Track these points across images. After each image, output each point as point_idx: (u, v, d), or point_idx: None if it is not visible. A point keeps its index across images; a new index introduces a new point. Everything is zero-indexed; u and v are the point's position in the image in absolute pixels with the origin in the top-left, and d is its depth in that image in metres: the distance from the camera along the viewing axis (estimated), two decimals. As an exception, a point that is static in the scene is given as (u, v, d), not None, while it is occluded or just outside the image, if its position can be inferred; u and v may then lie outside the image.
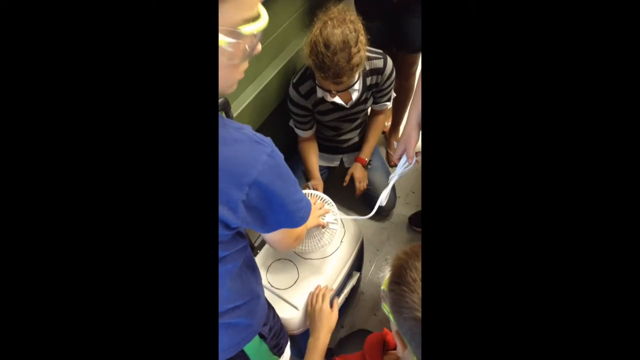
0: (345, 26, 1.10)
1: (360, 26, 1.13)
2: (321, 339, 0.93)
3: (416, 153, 1.10)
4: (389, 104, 1.49)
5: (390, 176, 1.16)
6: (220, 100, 1.07)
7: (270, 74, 1.35)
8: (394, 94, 1.48)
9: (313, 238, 1.11)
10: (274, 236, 0.77)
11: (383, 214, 1.79)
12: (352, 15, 1.13)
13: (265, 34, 1.33)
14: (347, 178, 1.57)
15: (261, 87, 1.32)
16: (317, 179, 1.50)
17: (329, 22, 1.10)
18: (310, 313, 1.01)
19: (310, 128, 1.47)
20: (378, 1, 1.37)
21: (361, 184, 1.56)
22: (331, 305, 1.05)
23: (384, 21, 1.43)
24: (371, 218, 1.20)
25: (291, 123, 1.48)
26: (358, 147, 1.63)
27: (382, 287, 0.64)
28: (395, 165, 2.10)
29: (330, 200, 1.14)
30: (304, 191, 1.15)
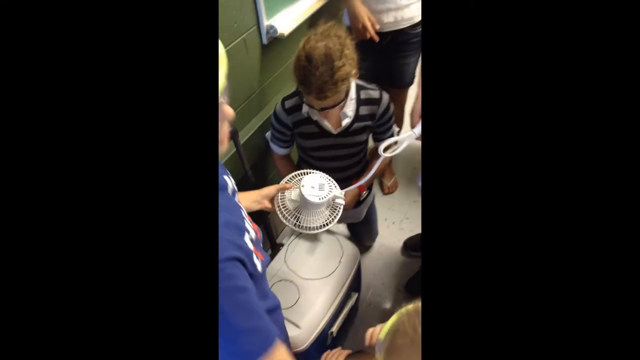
0: (329, 40, 1.06)
1: (348, 41, 1.09)
2: None
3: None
4: (393, 140, 1.33)
5: (408, 133, 1.02)
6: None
7: (273, 106, 1.46)
8: (396, 128, 1.37)
9: (321, 215, 1.12)
10: None
11: (367, 245, 1.86)
12: (340, 31, 1.10)
13: (270, 71, 1.45)
14: None
15: (265, 119, 1.43)
16: None
17: (313, 37, 1.08)
18: None
19: (286, 147, 1.39)
20: (368, 43, 1.44)
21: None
22: None
23: (374, 60, 1.53)
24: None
25: (268, 135, 1.40)
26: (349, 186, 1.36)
27: (380, 337, 0.63)
28: (388, 193, 2.19)
29: (333, 181, 1.15)
30: (308, 171, 1.15)
